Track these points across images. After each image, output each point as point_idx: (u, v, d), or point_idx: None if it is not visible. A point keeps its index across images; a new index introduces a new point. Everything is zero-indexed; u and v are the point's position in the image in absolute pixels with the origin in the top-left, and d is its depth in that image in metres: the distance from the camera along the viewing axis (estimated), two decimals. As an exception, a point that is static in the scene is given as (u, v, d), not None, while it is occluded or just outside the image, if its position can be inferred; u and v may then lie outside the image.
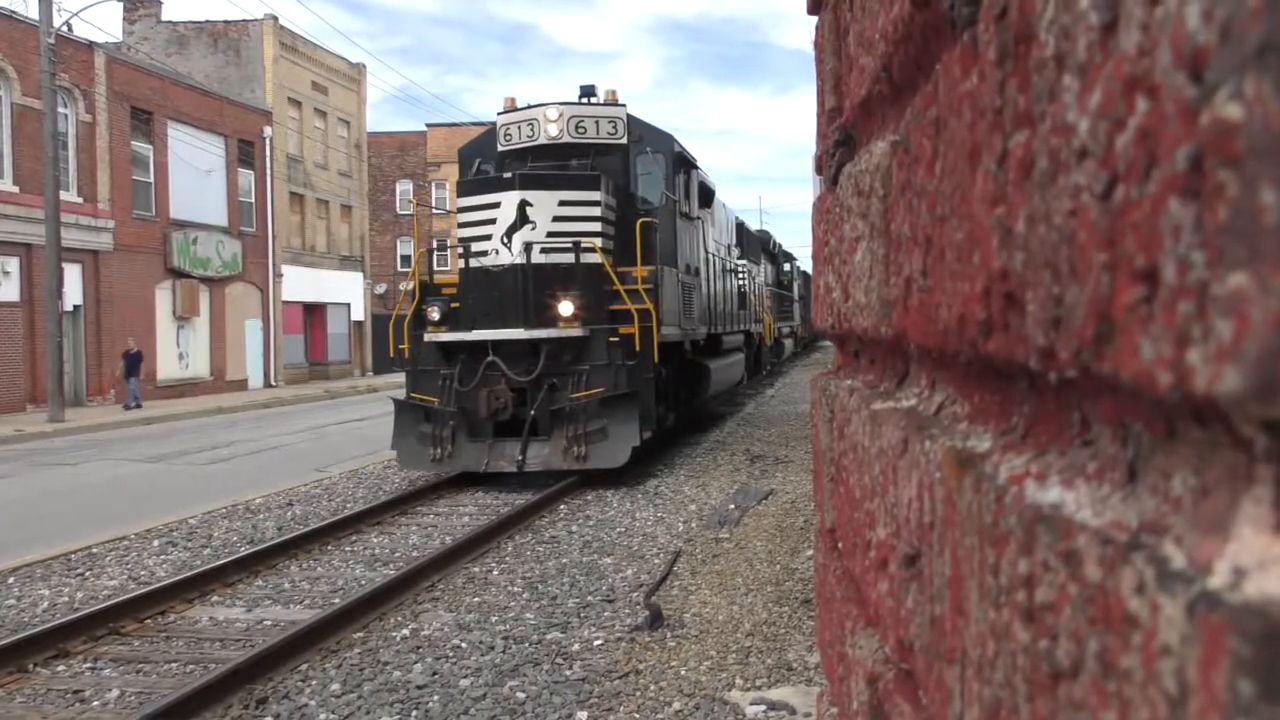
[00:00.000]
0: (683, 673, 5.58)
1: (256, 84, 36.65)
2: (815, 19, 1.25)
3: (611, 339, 11.87)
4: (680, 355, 14.19)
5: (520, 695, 5.33)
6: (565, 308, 11.72)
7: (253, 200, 35.47)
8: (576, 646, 6.10)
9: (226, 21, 37.22)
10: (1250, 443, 0.32)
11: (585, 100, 14.49)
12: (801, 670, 5.60)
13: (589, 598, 7.14)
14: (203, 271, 32.22)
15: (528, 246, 11.98)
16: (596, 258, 12.20)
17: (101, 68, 28.08)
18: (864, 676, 0.89)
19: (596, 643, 6.17)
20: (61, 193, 23.38)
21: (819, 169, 1.29)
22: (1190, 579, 0.31)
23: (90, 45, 27.77)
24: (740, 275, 20.60)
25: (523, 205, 12.20)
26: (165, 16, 37.86)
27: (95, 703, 5.44)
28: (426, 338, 12.20)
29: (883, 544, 0.81)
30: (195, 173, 31.75)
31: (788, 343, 35.78)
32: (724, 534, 9.00)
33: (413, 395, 12.26)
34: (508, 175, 12.55)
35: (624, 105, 14.23)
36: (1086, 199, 0.39)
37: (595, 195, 12.66)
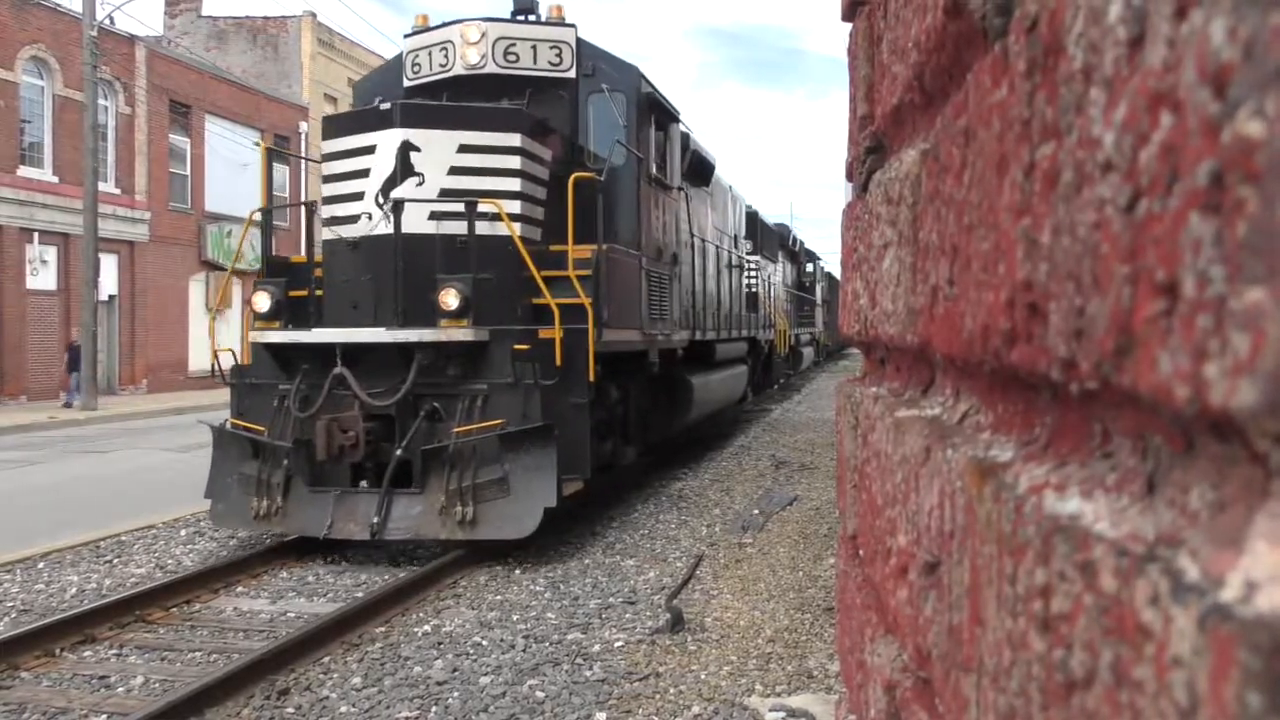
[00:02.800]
0: (703, 677, 5.58)
1: (294, 79, 36.97)
2: (849, 26, 1.25)
3: (519, 346, 8.26)
4: (646, 368, 10.70)
5: (539, 694, 5.34)
6: (449, 298, 8.14)
7: (287, 195, 35.75)
8: (597, 647, 6.10)
9: (265, 17, 37.61)
10: (1266, 457, 0.32)
11: (521, 18, 10.72)
12: (822, 678, 5.58)
13: (610, 599, 7.15)
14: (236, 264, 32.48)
15: (398, 206, 8.37)
16: (504, 227, 8.52)
17: (142, 61, 28.44)
18: (882, 684, 0.89)
19: (617, 644, 6.17)
20: (100, 184, 23.70)
21: (850, 175, 1.29)
22: (1203, 591, 0.32)
23: (131, 38, 28.14)
24: (750, 272, 17.75)
25: (406, 149, 8.67)
26: (205, 11, 38.30)
27: (120, 689, 5.49)
28: (252, 337, 8.94)
29: (903, 551, 0.81)
30: (231, 166, 32.05)
31: (807, 351, 31.19)
32: (747, 539, 8.98)
33: (235, 421, 8.76)
34: (385, 107, 8.94)
35: (573, 26, 10.56)
36: (1110, 212, 0.40)
37: (513, 139, 9.00)
